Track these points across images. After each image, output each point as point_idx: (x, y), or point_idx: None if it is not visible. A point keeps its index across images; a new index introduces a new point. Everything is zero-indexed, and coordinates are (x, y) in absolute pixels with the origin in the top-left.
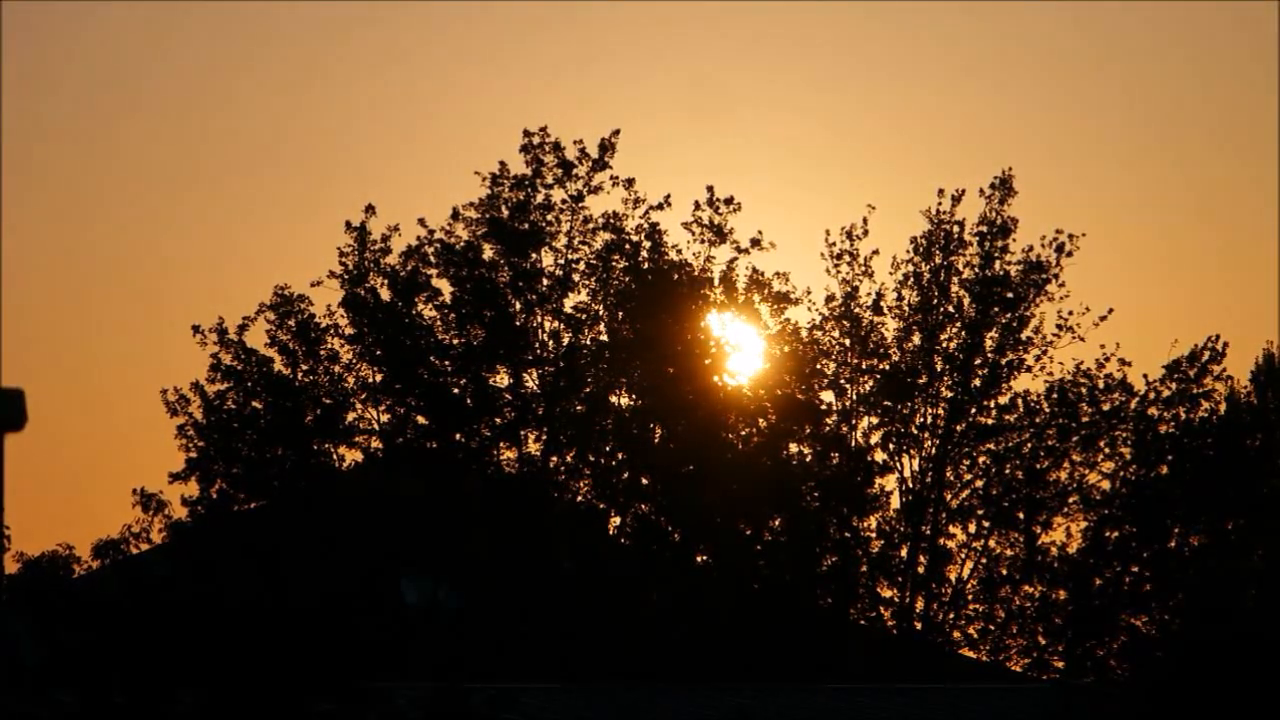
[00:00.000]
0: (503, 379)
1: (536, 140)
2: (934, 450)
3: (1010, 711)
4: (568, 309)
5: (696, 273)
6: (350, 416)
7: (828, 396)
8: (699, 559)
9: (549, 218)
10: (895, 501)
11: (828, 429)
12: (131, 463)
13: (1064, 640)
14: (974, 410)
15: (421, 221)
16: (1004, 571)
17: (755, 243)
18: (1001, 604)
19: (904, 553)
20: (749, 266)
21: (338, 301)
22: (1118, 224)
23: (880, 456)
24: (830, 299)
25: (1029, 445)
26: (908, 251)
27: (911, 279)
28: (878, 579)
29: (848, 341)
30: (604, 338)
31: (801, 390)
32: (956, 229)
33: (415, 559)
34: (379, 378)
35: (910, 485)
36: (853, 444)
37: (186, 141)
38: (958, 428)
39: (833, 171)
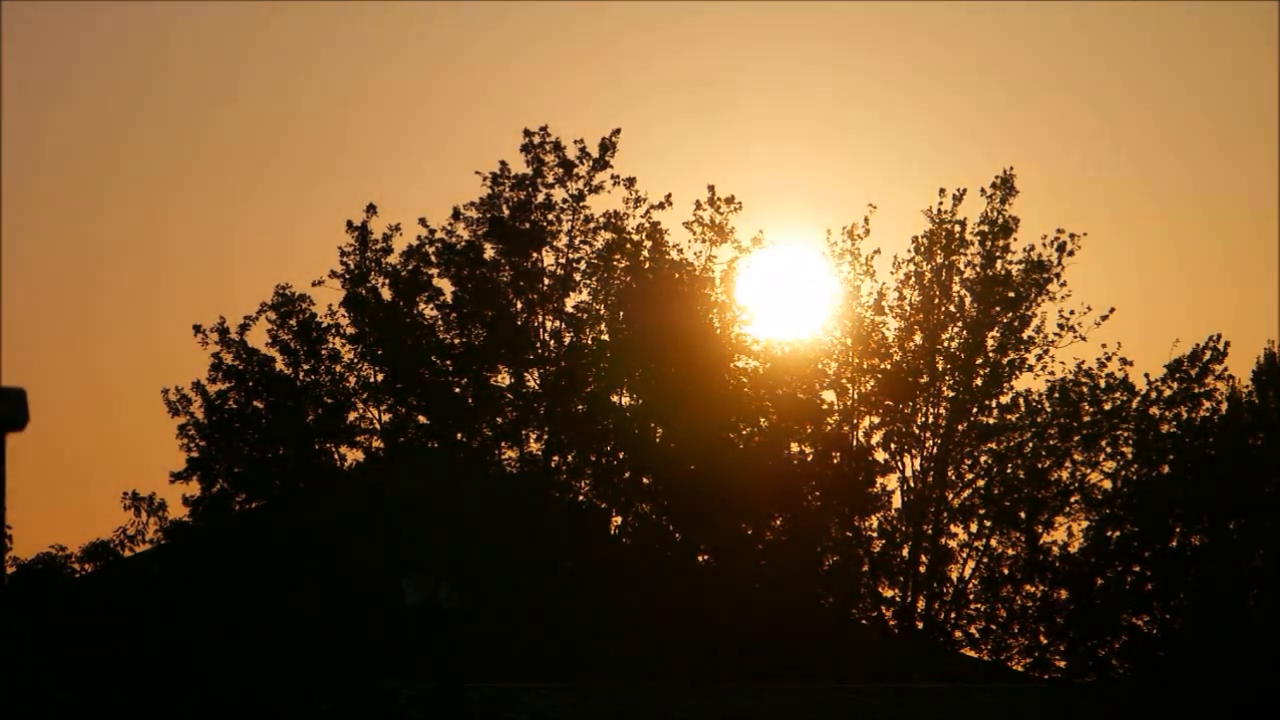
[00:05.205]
0: (504, 379)
1: (537, 139)
2: (935, 450)
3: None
4: (569, 308)
5: (698, 272)
6: (351, 416)
7: (829, 396)
8: (700, 559)
9: (550, 217)
10: (897, 501)
11: (829, 428)
12: (132, 463)
13: (1065, 640)
14: (975, 410)
15: (423, 221)
16: (1005, 571)
17: (756, 242)
18: (1003, 603)
19: (905, 552)
20: (750, 266)
21: (339, 301)
22: (1119, 223)
23: (882, 456)
24: (831, 298)
25: (1030, 445)
26: (909, 251)
27: (913, 278)
28: (879, 579)
29: (849, 341)
30: (605, 337)
31: (803, 390)
32: (958, 228)
33: (415, 559)
34: (380, 377)
35: (912, 485)
36: (854, 443)
37: (187, 141)
38: (959, 427)
39: (833, 171)
